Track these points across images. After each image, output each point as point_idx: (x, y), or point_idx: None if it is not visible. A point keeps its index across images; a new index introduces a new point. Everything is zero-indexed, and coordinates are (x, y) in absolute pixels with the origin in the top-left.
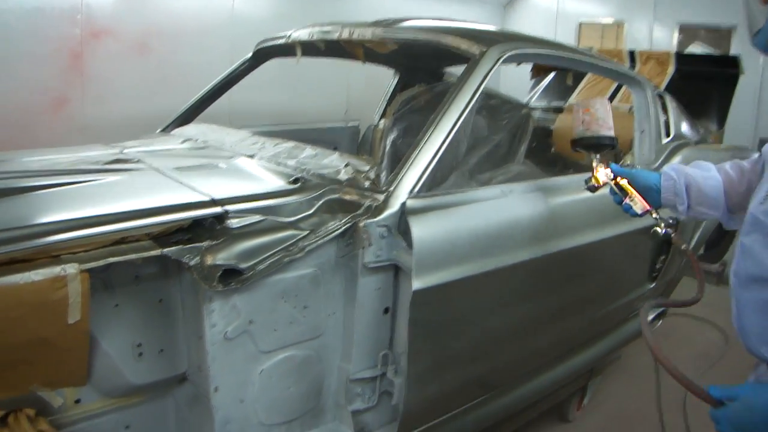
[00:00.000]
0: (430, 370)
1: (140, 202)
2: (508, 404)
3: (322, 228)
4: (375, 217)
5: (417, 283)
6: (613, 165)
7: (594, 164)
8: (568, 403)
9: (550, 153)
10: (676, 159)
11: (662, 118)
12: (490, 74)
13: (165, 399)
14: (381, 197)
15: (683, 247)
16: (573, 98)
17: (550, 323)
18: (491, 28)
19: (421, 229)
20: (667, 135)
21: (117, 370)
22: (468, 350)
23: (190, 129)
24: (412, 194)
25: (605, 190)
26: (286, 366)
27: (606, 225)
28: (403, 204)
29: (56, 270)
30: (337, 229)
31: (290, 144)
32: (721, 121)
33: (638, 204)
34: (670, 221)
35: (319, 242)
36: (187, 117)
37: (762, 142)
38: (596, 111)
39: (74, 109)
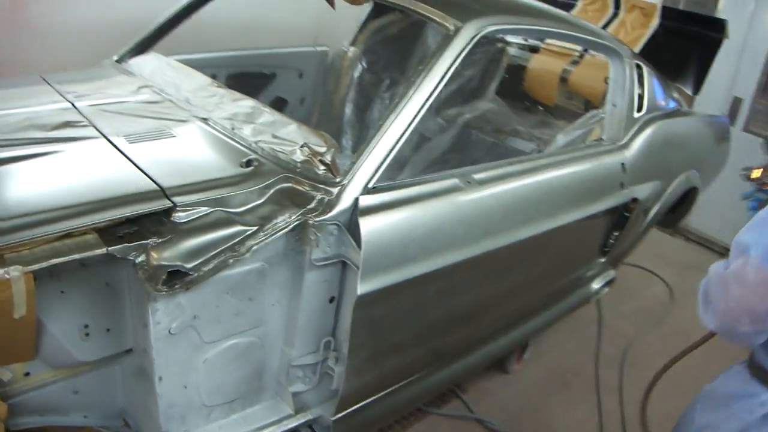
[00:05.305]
0: (370, 360)
1: (87, 192)
2: (448, 377)
3: (270, 225)
4: (325, 213)
5: (363, 288)
6: None
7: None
8: (508, 356)
9: (522, 92)
10: (646, 133)
11: (637, 92)
12: (464, 53)
13: (113, 366)
14: (334, 191)
15: None
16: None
17: (498, 305)
18: None
19: (371, 231)
20: (640, 109)
21: (64, 350)
22: (411, 339)
23: (147, 63)
24: (366, 188)
25: None
26: (230, 354)
27: (565, 211)
28: (356, 200)
29: None
30: (286, 227)
31: (249, 103)
32: (698, 85)
33: None
34: None
35: (267, 241)
36: (146, 43)
37: (736, 101)
38: None
39: (34, 11)
